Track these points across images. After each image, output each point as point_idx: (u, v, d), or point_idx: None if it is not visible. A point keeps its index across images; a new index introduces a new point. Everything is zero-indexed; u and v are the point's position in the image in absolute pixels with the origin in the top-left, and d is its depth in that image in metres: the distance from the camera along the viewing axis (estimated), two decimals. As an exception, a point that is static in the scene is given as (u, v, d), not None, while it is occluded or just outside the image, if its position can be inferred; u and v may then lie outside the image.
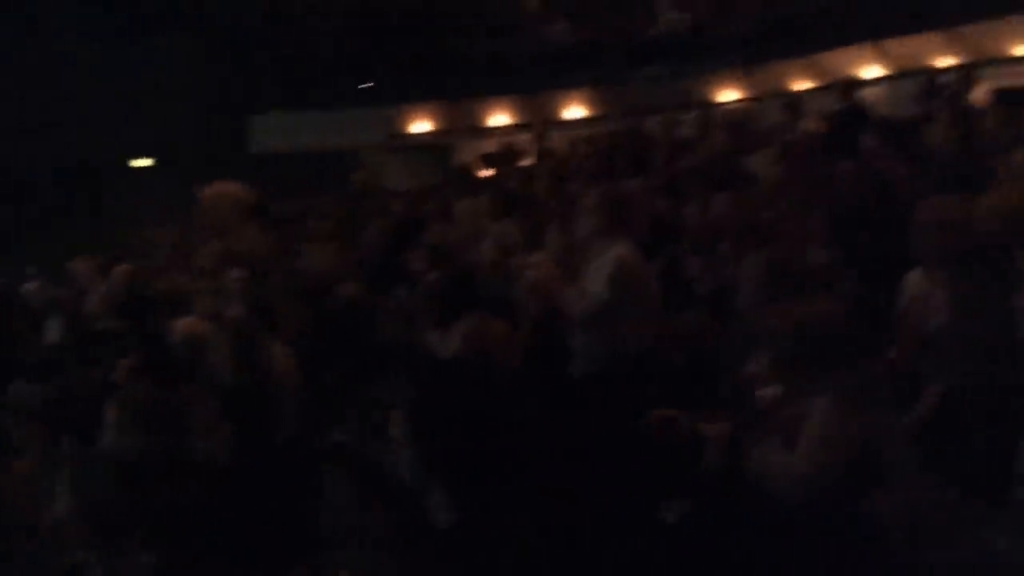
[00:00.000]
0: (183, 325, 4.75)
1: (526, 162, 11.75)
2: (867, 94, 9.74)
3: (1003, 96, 9.61)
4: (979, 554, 2.68)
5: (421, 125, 14.80)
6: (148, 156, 14.31)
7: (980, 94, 8.71)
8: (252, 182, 12.61)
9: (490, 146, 14.11)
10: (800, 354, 3.30)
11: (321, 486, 3.91)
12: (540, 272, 5.82)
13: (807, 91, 11.75)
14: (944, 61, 10.46)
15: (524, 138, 12.82)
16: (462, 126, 14.74)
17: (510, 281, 6.02)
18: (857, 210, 5.89)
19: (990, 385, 2.95)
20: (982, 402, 2.96)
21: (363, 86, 15.05)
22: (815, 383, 3.23)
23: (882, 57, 11.24)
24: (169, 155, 13.79)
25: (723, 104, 12.88)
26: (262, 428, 4.44)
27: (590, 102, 14.17)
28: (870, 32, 11.27)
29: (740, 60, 12.80)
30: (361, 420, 4.02)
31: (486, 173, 12.40)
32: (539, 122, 13.33)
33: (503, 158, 12.18)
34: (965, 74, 8.59)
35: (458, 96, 14.52)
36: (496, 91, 14.46)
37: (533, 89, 14.27)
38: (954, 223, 3.89)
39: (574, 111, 14.26)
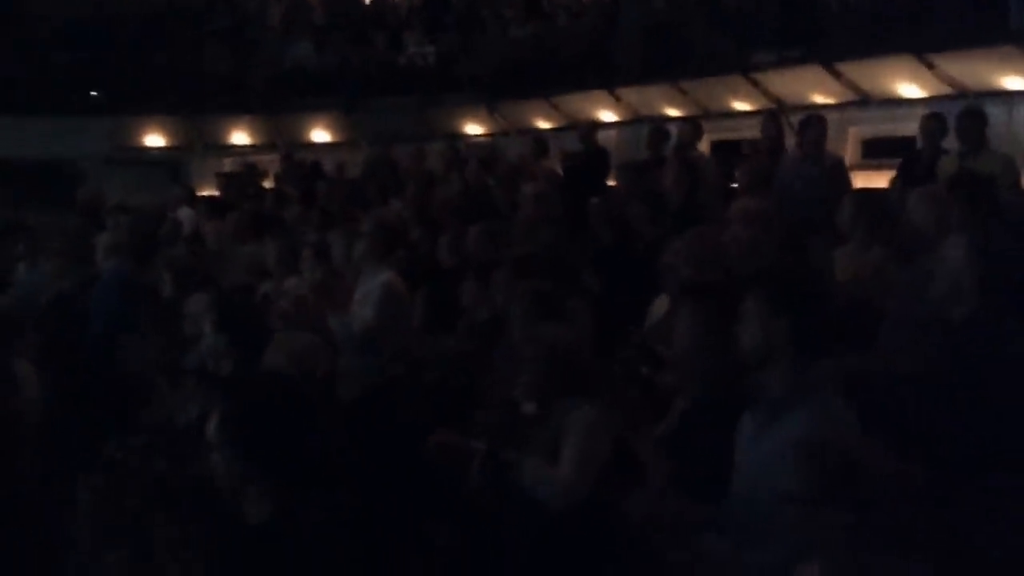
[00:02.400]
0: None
1: (267, 183, 11.60)
2: (602, 137, 10.40)
3: (719, 148, 10.63)
4: (699, 554, 2.96)
5: (151, 139, 14.16)
6: None
7: (702, 145, 9.54)
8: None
9: (226, 165, 13.83)
10: (552, 375, 3.60)
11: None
12: (297, 296, 5.78)
13: (548, 130, 12.31)
14: (671, 111, 11.29)
15: (263, 159, 12.63)
16: (196, 143, 14.25)
17: (264, 305, 5.95)
18: (607, 244, 6.30)
19: (720, 400, 3.28)
20: (713, 415, 3.28)
21: (90, 94, 14.23)
22: (567, 401, 3.53)
23: (616, 104, 11.99)
24: None
25: (468, 136, 13.26)
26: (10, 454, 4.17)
27: (334, 126, 14.12)
28: (606, 80, 11.99)
29: (484, 97, 13.20)
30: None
31: (220, 192, 12.14)
32: (283, 144, 13.17)
33: (242, 178, 11.93)
34: (693, 125, 9.32)
35: (193, 112, 14.02)
36: (235, 110, 14.09)
37: (274, 110, 14.03)
38: (693, 260, 4.37)
39: (318, 134, 14.15)
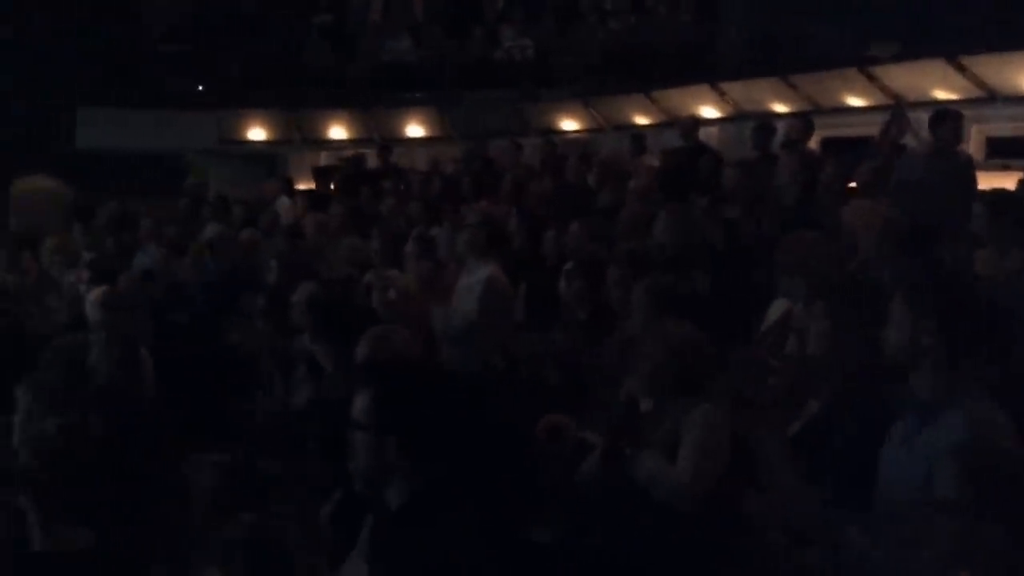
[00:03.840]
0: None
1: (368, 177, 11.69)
2: (703, 134, 10.18)
3: (830, 145, 10.31)
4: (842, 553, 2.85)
5: (253, 132, 14.39)
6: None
7: (812, 142, 9.26)
8: (73, 180, 12.18)
9: (325, 159, 13.99)
10: (673, 371, 3.52)
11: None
12: (401, 288, 5.77)
13: (646, 126, 12.13)
14: (778, 106, 11.01)
15: (361, 153, 12.72)
16: (295, 136, 14.43)
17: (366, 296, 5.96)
18: (715, 244, 6.15)
19: (859, 402, 3.16)
20: (851, 417, 3.17)
21: (195, 88, 14.52)
22: (686, 398, 3.46)
23: (718, 99, 11.75)
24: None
25: (564, 132, 13.15)
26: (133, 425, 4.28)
27: (429, 121, 14.16)
28: (708, 74, 11.76)
29: (581, 91, 13.08)
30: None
31: (320, 185, 12.30)
32: (381, 138, 13.25)
33: (339, 171, 12.06)
34: (804, 121, 9.04)
35: (293, 106, 14.21)
36: (334, 104, 14.23)
37: (371, 104, 14.13)
38: (821, 261, 4.21)
39: (413, 129, 14.20)
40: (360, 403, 2.48)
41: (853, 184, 6.70)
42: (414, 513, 2.44)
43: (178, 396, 4.98)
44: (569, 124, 13.39)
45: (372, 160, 12.13)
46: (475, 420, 3.81)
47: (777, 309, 4.51)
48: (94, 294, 5.30)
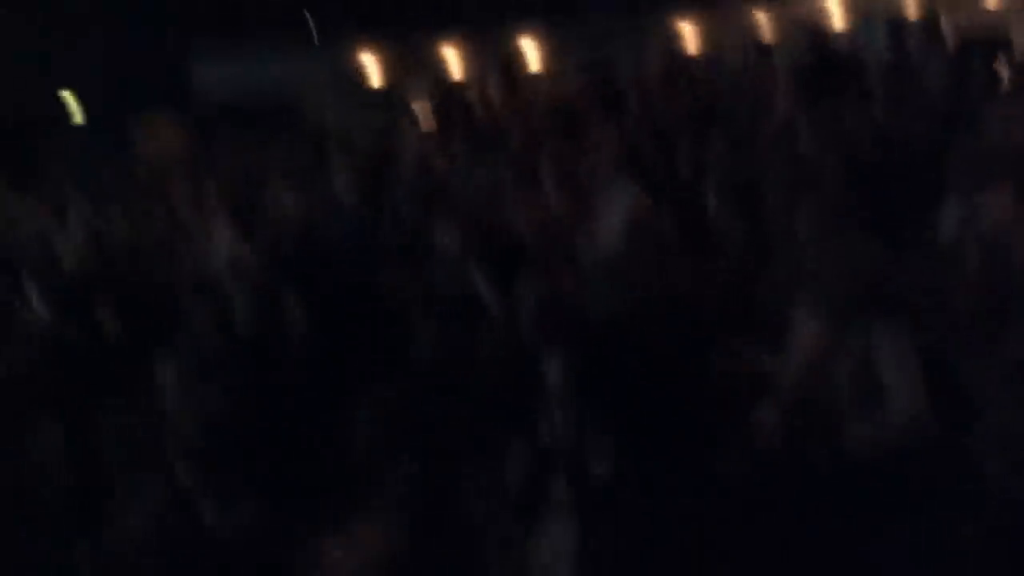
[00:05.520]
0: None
1: (486, 101, 11.51)
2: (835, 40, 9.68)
3: (968, 42, 9.69)
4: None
5: (367, 63, 14.32)
6: (83, 101, 13.52)
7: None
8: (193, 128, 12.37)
9: (441, 85, 13.83)
10: (853, 292, 3.31)
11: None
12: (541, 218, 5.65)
13: (772, 35, 11.64)
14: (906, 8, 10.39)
15: (477, 76, 12.53)
16: (409, 64, 14.31)
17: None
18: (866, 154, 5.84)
19: None
20: None
21: (311, 25, 14.52)
22: (869, 322, 3.21)
23: (843, 4, 11.15)
24: (106, 101, 13.09)
25: (684, 43, 12.72)
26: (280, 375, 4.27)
27: (544, 39, 13.84)
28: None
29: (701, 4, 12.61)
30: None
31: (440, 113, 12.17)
32: (499, 59, 13.00)
33: (460, 98, 11.90)
34: (934, 19, 8.52)
35: (404, 34, 14.07)
36: (449, 31, 14.03)
37: (483, 26, 13.89)
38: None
39: (528, 48, 13.90)
40: (554, 366, 2.36)
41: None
42: (625, 481, 2.32)
43: (331, 341, 4.99)
44: (691, 38, 12.95)
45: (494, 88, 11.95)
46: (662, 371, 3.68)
47: (952, 213, 4.24)
48: (232, 242, 5.31)
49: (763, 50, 9.84)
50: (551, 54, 13.74)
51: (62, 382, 4.30)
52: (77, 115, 13.40)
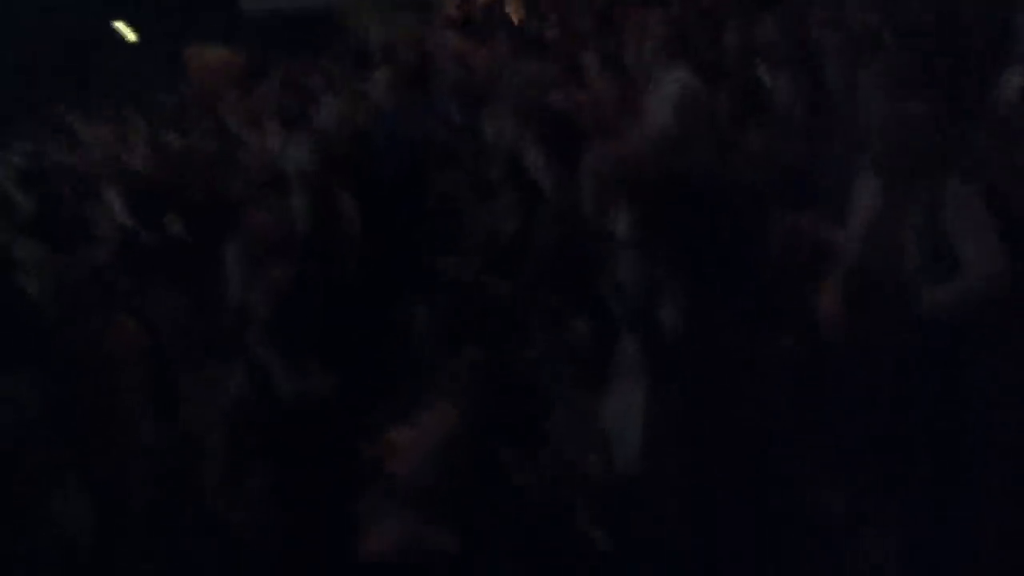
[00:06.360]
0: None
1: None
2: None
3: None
4: None
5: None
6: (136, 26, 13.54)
7: None
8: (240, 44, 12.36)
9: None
10: (913, 159, 3.27)
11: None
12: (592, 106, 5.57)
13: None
14: None
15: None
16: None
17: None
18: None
19: None
20: None
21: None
22: (931, 187, 3.19)
23: None
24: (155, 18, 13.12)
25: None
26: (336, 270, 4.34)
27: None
28: None
29: None
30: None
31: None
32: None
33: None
34: None
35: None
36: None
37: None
38: None
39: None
40: (623, 219, 2.35)
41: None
42: (696, 332, 2.31)
43: (385, 235, 5.03)
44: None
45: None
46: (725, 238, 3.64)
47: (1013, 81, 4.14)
48: (288, 146, 5.36)
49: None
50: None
51: (137, 277, 4.46)
52: (130, 35, 13.44)
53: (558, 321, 3.46)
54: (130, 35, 13.34)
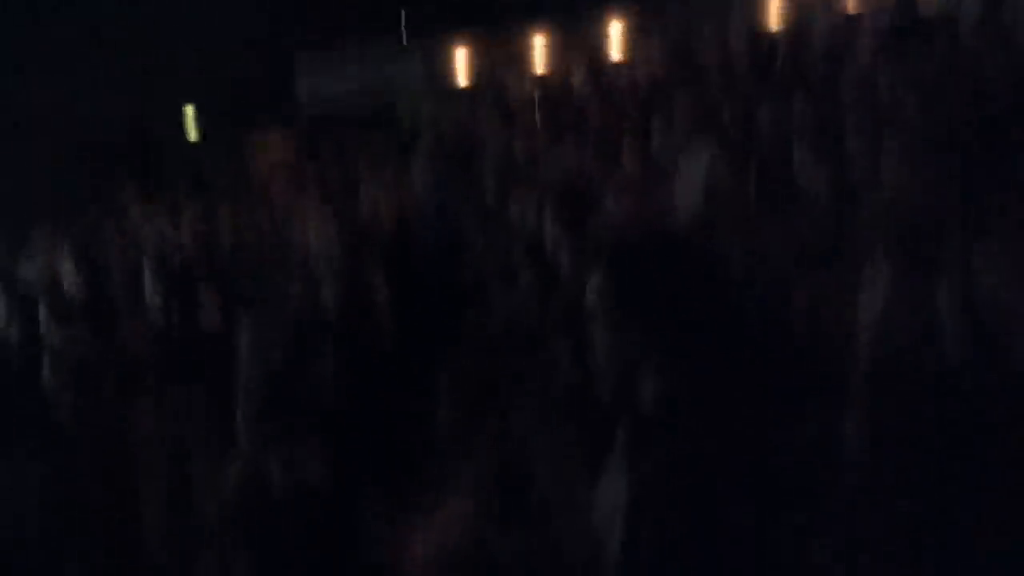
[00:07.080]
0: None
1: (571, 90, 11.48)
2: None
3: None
4: None
5: (455, 60, 14.32)
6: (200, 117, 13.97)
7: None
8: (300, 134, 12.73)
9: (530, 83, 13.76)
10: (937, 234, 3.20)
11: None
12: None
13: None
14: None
15: (562, 66, 12.45)
16: (497, 58, 14.24)
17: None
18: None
19: None
20: None
21: (402, 22, 14.70)
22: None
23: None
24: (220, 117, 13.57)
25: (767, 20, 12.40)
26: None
27: (632, 23, 13.63)
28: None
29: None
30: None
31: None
32: (585, 50, 12.86)
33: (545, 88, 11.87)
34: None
35: (492, 28, 14.04)
36: (535, 21, 13.96)
37: (569, 13, 13.75)
38: None
39: (614, 31, 13.70)
40: (596, 286, 2.15)
41: None
42: (674, 413, 2.11)
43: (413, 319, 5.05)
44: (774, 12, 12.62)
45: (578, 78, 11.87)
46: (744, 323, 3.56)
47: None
48: (324, 234, 5.45)
49: (850, 19, 9.53)
50: (637, 39, 13.56)
51: (162, 362, 4.52)
52: (193, 132, 13.92)
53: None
54: (192, 120, 13.79)
